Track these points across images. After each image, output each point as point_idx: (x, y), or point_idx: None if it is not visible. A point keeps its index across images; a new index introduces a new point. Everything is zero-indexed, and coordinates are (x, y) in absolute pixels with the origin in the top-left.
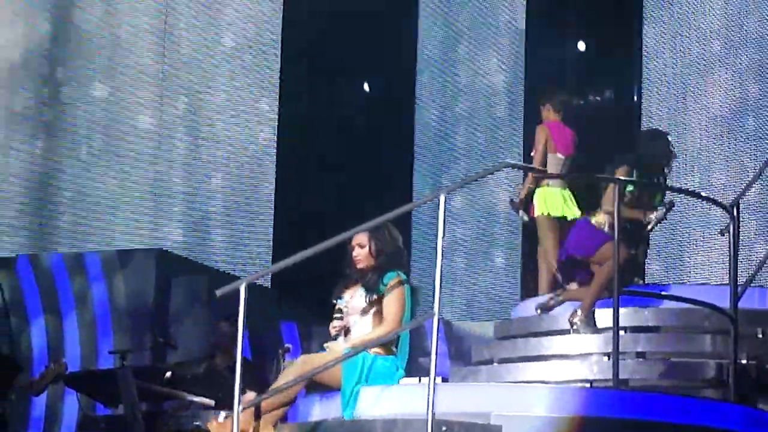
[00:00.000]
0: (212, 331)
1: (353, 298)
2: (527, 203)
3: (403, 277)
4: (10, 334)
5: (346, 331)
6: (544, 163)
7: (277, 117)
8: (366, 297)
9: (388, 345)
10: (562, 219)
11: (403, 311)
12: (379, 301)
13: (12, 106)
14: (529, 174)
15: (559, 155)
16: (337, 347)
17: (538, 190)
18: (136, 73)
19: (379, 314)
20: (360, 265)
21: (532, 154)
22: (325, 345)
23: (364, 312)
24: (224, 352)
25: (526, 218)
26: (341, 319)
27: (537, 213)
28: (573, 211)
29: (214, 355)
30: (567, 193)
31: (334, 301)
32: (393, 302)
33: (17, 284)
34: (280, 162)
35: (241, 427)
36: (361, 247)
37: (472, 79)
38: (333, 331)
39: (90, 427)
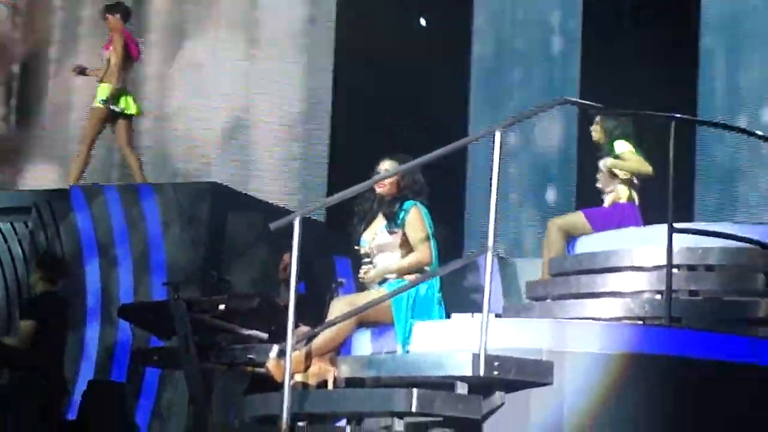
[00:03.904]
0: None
1: (375, 238)
2: None
3: (421, 205)
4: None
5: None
6: (123, 66)
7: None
8: (388, 229)
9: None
10: None
11: (428, 232)
12: (401, 232)
13: None
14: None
15: (133, 60)
16: (373, 275)
17: None
18: None
19: (406, 244)
20: (380, 190)
21: (104, 55)
22: (361, 271)
23: (391, 246)
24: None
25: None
26: (369, 263)
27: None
28: None
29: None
30: None
31: (356, 247)
32: (416, 227)
33: (71, 214)
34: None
35: (296, 363)
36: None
37: (528, 14)
38: (363, 276)
39: (143, 358)
